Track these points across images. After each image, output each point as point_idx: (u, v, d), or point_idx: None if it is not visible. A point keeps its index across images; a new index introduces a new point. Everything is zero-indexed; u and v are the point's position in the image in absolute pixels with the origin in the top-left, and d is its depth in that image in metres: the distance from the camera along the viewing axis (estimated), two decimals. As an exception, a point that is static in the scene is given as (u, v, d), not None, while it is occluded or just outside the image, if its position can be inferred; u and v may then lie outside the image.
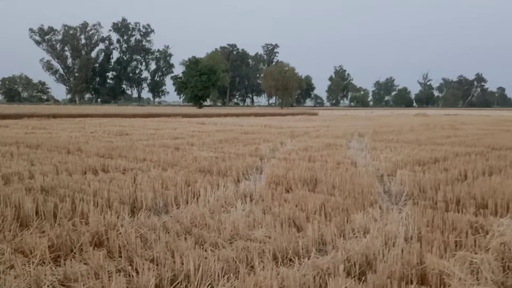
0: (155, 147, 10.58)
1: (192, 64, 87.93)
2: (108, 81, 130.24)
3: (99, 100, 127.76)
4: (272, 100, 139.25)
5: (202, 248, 3.51)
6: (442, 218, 4.07)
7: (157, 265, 3.16)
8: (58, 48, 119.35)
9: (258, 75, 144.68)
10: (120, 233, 3.59)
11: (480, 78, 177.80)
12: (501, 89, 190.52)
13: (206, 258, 3.24)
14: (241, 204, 4.93)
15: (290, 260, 3.34)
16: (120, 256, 3.33)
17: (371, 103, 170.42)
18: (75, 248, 3.39)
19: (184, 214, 4.43)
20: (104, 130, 16.34)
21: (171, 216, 4.38)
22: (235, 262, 3.18)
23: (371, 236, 3.65)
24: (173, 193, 5.10)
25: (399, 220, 4.24)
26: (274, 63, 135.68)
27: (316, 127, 20.27)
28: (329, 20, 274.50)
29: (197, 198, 5.18)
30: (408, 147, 10.50)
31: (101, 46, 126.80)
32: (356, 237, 3.87)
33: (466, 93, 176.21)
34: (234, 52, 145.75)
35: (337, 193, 5.29)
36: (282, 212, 4.45)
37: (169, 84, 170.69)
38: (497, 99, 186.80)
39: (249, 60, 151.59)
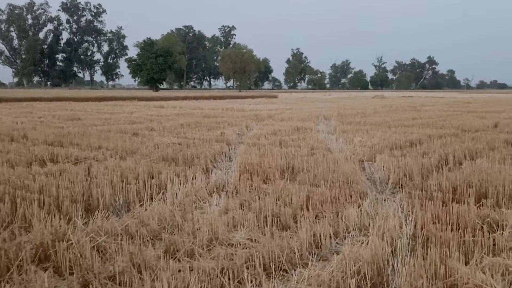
0: (111, 132, 9.71)
1: (147, 46, 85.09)
2: (58, 63, 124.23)
3: (48, 83, 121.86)
4: (230, 83, 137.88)
5: (175, 258, 2.87)
6: (446, 211, 3.61)
7: (119, 285, 2.50)
8: (3, 29, 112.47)
9: (215, 58, 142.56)
10: (72, 243, 2.89)
11: (431, 61, 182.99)
12: (451, 72, 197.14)
13: (180, 271, 2.61)
14: (215, 199, 4.31)
15: (285, 271, 2.77)
16: (72, 274, 2.65)
17: (328, 85, 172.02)
18: (12, 266, 2.67)
19: (149, 213, 3.76)
20: (53, 115, 15.15)
21: (134, 217, 3.71)
22: (219, 277, 2.57)
23: (372, 236, 3.12)
24: (135, 188, 4.40)
25: (397, 213, 3.76)
26: (231, 46, 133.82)
27: (279, 109, 19.75)
28: (286, 3, 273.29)
29: (163, 193, 4.51)
30: (379, 130, 10.14)
31: (50, 26, 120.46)
32: (354, 237, 3.34)
33: (418, 75, 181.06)
34: (191, 34, 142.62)
35: (321, 183, 4.76)
36: (263, 207, 3.86)
37: (123, 67, 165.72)
38: (447, 81, 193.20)
39: (206, 42, 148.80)
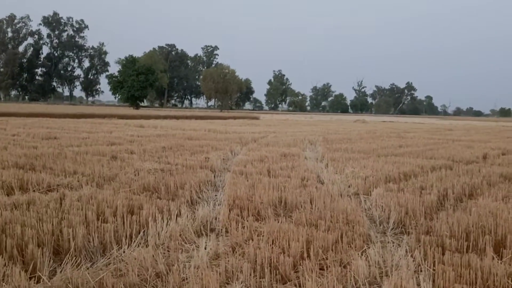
0: (88, 155, 9.15)
1: (129, 63, 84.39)
2: (37, 77, 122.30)
3: (26, 97, 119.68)
4: (211, 103, 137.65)
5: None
6: (465, 265, 3.21)
7: None
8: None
9: (197, 77, 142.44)
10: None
11: (410, 87, 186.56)
12: (429, 98, 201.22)
13: None
14: (203, 241, 3.83)
15: None
16: None
17: (308, 108, 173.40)
18: None
19: (128, 259, 3.27)
20: (28, 133, 14.45)
21: (111, 265, 3.21)
22: None
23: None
24: (113, 227, 3.89)
25: (409, 264, 3.34)
26: (213, 65, 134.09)
27: (262, 132, 19.40)
28: (267, 25, 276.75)
29: (145, 232, 4.01)
30: (369, 159, 9.82)
31: (30, 40, 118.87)
32: (365, 295, 2.91)
33: (397, 100, 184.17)
34: (173, 53, 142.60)
35: (319, 223, 4.33)
36: (259, 254, 3.41)
37: (103, 83, 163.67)
38: (425, 107, 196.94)
39: (188, 61, 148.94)
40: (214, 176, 7.41)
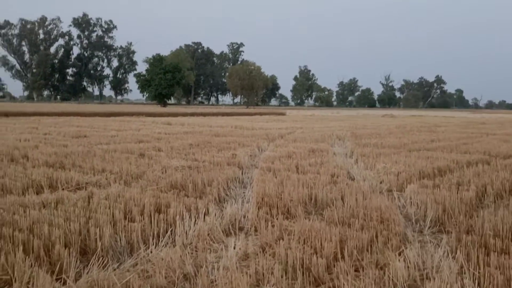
0: (116, 152, 9.18)
1: (156, 61, 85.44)
2: (68, 77, 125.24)
3: (58, 97, 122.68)
4: (237, 99, 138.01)
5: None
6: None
7: None
8: (15, 43, 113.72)
9: (223, 74, 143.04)
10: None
11: (439, 80, 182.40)
12: (459, 91, 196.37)
13: None
14: (232, 240, 3.71)
15: None
16: None
17: (335, 103, 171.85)
18: None
19: (155, 260, 3.18)
20: (59, 131, 14.68)
21: (138, 264, 3.12)
22: None
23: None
24: (140, 226, 3.81)
25: (452, 269, 3.14)
26: (239, 62, 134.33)
27: (289, 128, 19.20)
28: (294, 21, 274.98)
29: (172, 231, 3.92)
30: (401, 154, 9.52)
31: (61, 41, 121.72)
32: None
33: (426, 94, 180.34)
34: (199, 50, 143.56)
35: (352, 221, 4.15)
36: (290, 255, 3.26)
37: (132, 82, 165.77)
38: (455, 101, 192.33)
39: (214, 58, 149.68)
40: (242, 173, 7.29)
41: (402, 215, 4.85)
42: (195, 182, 5.94)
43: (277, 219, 4.28)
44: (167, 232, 3.87)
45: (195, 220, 4.11)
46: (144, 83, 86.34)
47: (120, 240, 3.57)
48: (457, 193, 5.35)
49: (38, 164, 7.36)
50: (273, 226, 4.06)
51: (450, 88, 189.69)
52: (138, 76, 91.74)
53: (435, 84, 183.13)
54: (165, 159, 8.29)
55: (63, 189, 5.61)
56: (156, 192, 5.25)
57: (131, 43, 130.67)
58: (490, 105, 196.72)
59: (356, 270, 3.14)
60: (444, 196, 5.13)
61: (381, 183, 6.45)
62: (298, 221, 4.25)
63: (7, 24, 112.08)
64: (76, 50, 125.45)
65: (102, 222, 3.83)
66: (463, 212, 4.69)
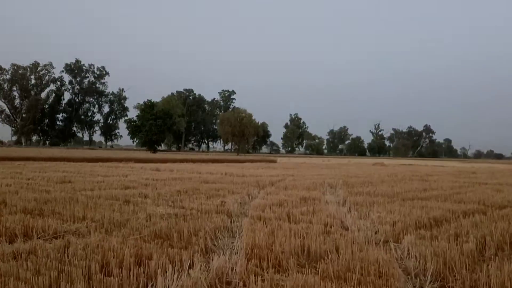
0: (100, 199, 8.83)
1: (148, 107, 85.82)
2: (58, 123, 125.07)
3: (47, 142, 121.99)
4: (228, 146, 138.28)
5: None
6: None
7: None
8: (6, 88, 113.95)
9: (214, 121, 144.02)
10: None
11: (428, 130, 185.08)
12: (448, 140, 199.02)
13: None
14: (218, 298, 3.38)
15: None
16: None
17: (325, 151, 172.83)
18: None
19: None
20: (43, 177, 14.27)
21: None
22: None
23: None
24: (117, 281, 3.47)
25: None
26: (230, 109, 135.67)
27: (280, 175, 18.95)
28: (283, 71, 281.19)
29: (152, 286, 3.57)
30: (394, 203, 9.28)
31: (52, 87, 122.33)
32: None
33: (415, 143, 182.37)
34: (191, 97, 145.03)
35: (348, 276, 3.84)
36: (282, 315, 2.93)
37: (122, 128, 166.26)
38: (444, 150, 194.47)
39: (206, 105, 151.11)
40: (231, 222, 6.98)
41: (400, 268, 4.55)
42: (180, 231, 5.62)
43: (267, 273, 3.96)
44: (146, 287, 3.53)
45: (179, 274, 3.78)
46: (135, 129, 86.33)
47: (93, 297, 3.23)
48: (457, 245, 5.08)
49: (15, 211, 6.98)
50: (263, 280, 3.74)
51: (438, 137, 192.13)
52: (128, 122, 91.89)
53: (424, 133, 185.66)
54: (150, 206, 7.95)
55: (38, 237, 5.25)
56: (139, 242, 4.91)
57: (122, 89, 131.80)
58: (478, 155, 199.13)
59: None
60: (443, 248, 4.86)
61: (376, 233, 6.17)
62: (290, 275, 3.94)
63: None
64: (67, 96, 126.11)
65: (75, 276, 3.49)
66: (465, 266, 4.41)
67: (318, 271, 4.10)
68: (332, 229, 6.18)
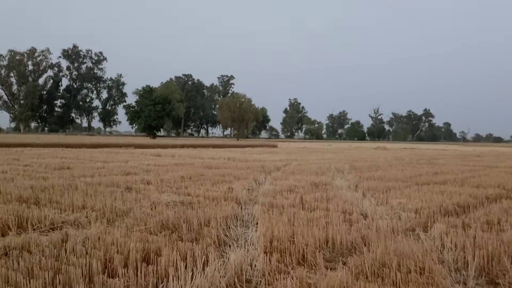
0: (100, 186, 8.34)
1: (146, 93, 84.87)
2: (56, 109, 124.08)
3: (46, 129, 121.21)
4: (228, 131, 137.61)
5: None
6: None
7: None
8: (3, 74, 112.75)
9: (213, 106, 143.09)
10: None
11: (427, 113, 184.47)
12: (447, 124, 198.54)
13: None
14: (241, 301, 2.90)
15: None
16: None
17: (325, 136, 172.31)
18: None
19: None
20: (41, 163, 13.76)
21: None
22: None
23: None
24: (123, 282, 2.99)
25: None
26: (229, 94, 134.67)
27: (284, 160, 18.46)
28: (283, 54, 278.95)
29: (164, 288, 3.09)
30: (411, 188, 8.81)
31: (50, 73, 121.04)
32: None
33: (415, 127, 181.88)
34: (190, 83, 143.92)
35: (386, 273, 3.36)
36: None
37: (121, 114, 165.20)
38: (444, 134, 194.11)
39: (205, 90, 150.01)
40: (241, 209, 6.50)
41: (439, 261, 4.07)
42: (189, 221, 5.13)
43: (292, 269, 3.48)
44: (157, 289, 3.05)
45: (193, 273, 3.30)
46: (134, 115, 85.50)
47: (96, 302, 2.75)
48: (497, 234, 4.61)
49: (9, 200, 6.48)
50: (289, 278, 3.26)
51: (438, 121, 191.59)
52: (127, 107, 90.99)
53: (423, 117, 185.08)
54: (154, 193, 7.46)
55: (34, 229, 4.77)
56: (144, 234, 4.42)
57: (121, 74, 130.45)
58: (478, 138, 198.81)
59: None
60: (482, 238, 4.39)
61: (398, 219, 5.69)
62: (318, 271, 3.46)
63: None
64: (65, 82, 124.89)
65: (74, 277, 3.00)
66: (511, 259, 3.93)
67: (350, 267, 3.61)
68: (353, 217, 5.70)
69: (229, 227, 5.26)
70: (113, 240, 4.00)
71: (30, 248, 3.79)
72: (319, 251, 4.02)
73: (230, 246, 4.44)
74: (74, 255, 3.58)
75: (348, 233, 4.68)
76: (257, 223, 5.62)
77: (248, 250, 4.15)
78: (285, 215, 5.66)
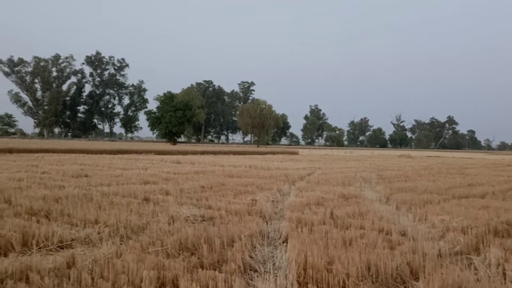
0: (117, 196, 7.89)
1: (167, 99, 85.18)
2: (79, 115, 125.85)
3: (69, 134, 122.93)
4: (248, 138, 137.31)
5: None
6: None
7: None
8: (28, 80, 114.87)
9: (233, 112, 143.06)
10: None
11: (451, 121, 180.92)
12: (471, 132, 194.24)
13: None
14: None
15: None
16: None
17: (346, 142, 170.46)
18: None
19: None
20: (59, 170, 13.47)
21: None
22: None
23: None
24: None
25: None
26: (250, 101, 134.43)
27: (307, 169, 17.85)
28: (303, 60, 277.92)
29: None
30: (450, 202, 8.12)
31: (73, 79, 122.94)
32: None
33: (438, 135, 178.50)
34: (210, 89, 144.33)
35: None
36: None
37: (142, 119, 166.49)
38: (468, 142, 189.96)
39: (225, 97, 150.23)
40: (267, 225, 5.95)
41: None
42: (211, 240, 4.60)
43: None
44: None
45: (215, 312, 2.75)
46: (155, 121, 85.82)
47: None
48: None
49: (19, 212, 6.07)
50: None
51: (462, 129, 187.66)
52: (148, 113, 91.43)
53: (447, 125, 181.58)
54: (173, 206, 6.97)
55: (39, 248, 4.30)
56: (160, 258, 3.90)
57: (142, 81, 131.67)
58: (503, 147, 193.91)
59: None
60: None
61: (441, 238, 5.04)
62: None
63: (21, 61, 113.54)
64: (88, 88, 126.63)
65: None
66: None
67: (403, 306, 3.02)
68: (393, 238, 5.08)
69: (255, 247, 4.72)
70: (124, 266, 3.49)
71: (30, 275, 3.31)
72: (362, 282, 3.44)
73: (256, 271, 3.89)
74: (81, 280, 3.08)
75: (391, 259, 4.08)
76: (284, 242, 5.08)
77: (277, 280, 3.59)
78: (317, 233, 5.08)
